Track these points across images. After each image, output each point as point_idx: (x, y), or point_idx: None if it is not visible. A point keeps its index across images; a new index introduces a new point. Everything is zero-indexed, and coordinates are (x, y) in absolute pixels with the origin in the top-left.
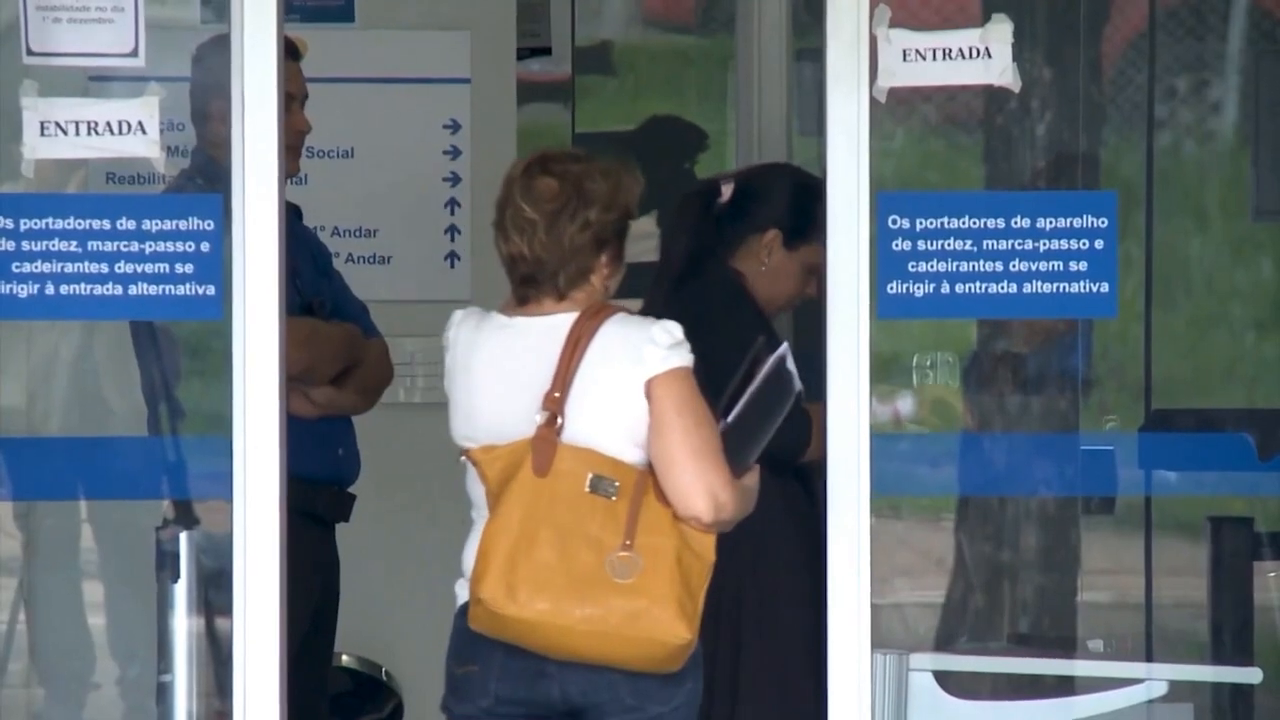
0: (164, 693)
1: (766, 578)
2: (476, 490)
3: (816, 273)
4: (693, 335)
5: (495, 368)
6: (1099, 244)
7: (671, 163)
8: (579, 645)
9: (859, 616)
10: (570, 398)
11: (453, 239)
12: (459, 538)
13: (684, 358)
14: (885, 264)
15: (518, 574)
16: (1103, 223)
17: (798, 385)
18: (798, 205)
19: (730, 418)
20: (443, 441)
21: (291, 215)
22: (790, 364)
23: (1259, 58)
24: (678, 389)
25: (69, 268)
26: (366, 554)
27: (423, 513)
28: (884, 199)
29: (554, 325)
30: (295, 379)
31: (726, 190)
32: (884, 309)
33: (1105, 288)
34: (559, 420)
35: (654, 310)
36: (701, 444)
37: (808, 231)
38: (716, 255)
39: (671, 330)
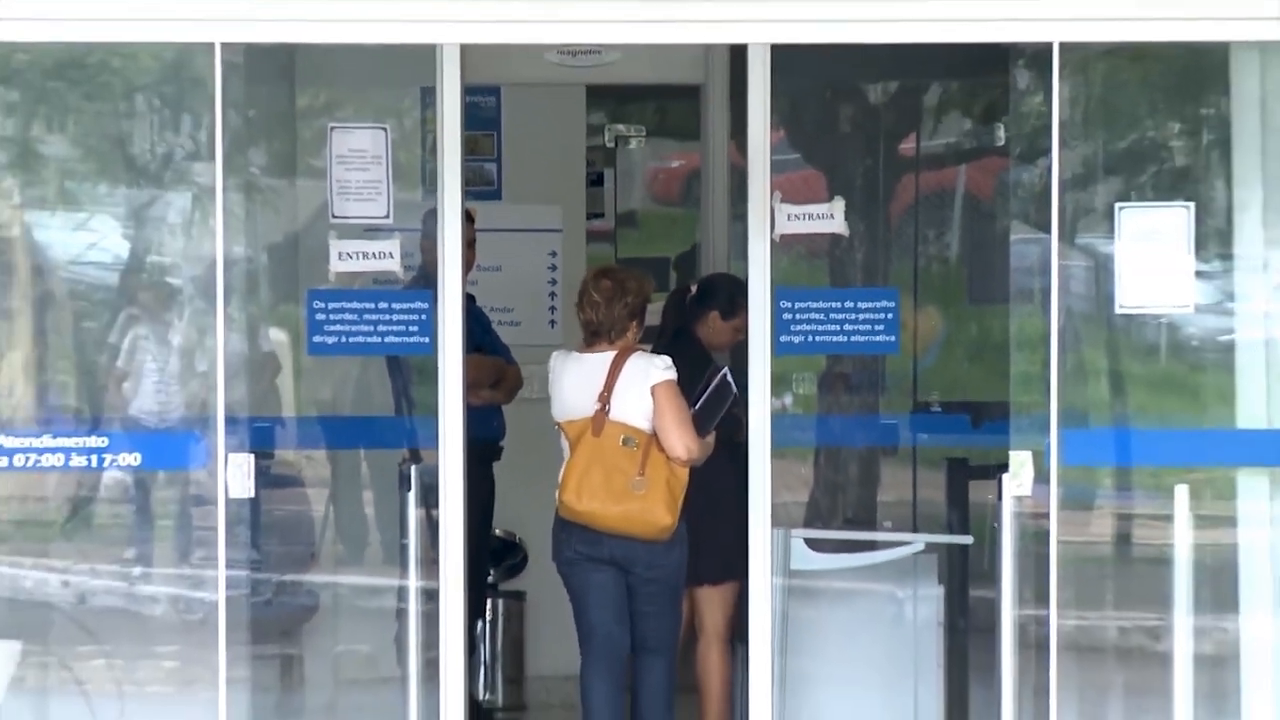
0: (404, 550)
1: (717, 493)
2: (564, 443)
3: (742, 330)
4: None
5: (573, 380)
6: (889, 315)
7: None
8: (614, 525)
9: (764, 509)
10: (613, 395)
11: (552, 313)
12: (557, 469)
13: (672, 374)
14: (779, 325)
15: (582, 488)
16: (891, 304)
17: (734, 391)
18: (728, 297)
19: (696, 407)
20: (549, 420)
21: (467, 300)
22: (729, 379)
23: (970, 222)
24: (668, 391)
25: (353, 327)
26: (509, 478)
27: (538, 457)
28: (779, 292)
29: (604, 358)
30: (470, 386)
31: (693, 288)
32: (779, 350)
33: (892, 338)
34: (607, 406)
35: (659, 351)
36: (682, 421)
37: (734, 311)
38: (689, 325)
39: (666, 360)
